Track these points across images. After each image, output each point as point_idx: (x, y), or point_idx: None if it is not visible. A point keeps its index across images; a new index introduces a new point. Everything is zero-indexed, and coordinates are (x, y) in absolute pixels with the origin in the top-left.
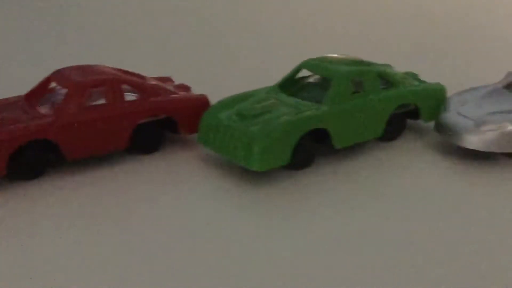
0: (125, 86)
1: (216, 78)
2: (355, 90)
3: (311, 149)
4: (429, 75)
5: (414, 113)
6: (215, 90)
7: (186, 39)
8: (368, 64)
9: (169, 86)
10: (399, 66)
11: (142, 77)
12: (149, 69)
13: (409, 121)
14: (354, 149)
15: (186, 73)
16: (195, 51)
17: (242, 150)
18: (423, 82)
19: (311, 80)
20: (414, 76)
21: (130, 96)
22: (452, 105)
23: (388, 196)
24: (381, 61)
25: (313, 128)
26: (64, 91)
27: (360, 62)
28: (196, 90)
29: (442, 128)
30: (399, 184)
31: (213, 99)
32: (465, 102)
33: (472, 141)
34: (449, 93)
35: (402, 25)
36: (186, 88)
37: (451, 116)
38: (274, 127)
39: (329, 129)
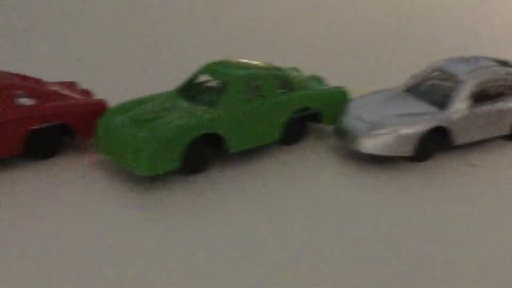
0: (21, 92)
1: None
2: (256, 94)
3: (204, 153)
4: (340, 78)
5: (317, 117)
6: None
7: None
8: (270, 68)
9: (68, 92)
10: (315, 69)
11: (39, 83)
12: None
13: (319, 126)
14: (253, 152)
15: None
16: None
17: (131, 155)
18: (327, 86)
19: (212, 84)
20: (319, 80)
21: (28, 102)
22: (351, 109)
23: (278, 201)
24: (295, 63)
25: (205, 133)
26: None
27: (262, 66)
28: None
29: (339, 132)
30: (291, 189)
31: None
32: (365, 105)
33: (366, 145)
34: None
35: (321, 29)
36: (87, 93)
37: (348, 120)
38: (163, 132)
39: (222, 134)
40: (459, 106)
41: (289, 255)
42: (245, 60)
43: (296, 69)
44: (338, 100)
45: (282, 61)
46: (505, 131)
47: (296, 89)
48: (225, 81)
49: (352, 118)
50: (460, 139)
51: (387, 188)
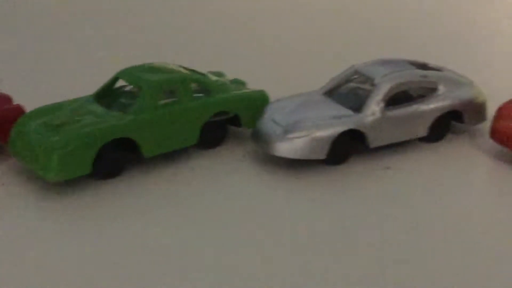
0: None
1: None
2: (171, 98)
3: (116, 158)
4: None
5: (237, 121)
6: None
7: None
8: (186, 72)
9: None
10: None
11: None
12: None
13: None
14: (169, 156)
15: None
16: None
17: (40, 160)
18: (248, 89)
19: (127, 89)
20: (241, 84)
21: None
22: (268, 112)
23: (192, 205)
24: (222, 67)
25: (117, 138)
26: None
27: (178, 71)
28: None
29: (255, 136)
30: (205, 193)
31: None
32: (281, 108)
33: (280, 149)
34: None
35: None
36: (7, 99)
37: (264, 123)
38: (72, 138)
39: (134, 139)
40: (374, 109)
41: (203, 260)
42: (164, 65)
43: (220, 73)
44: (258, 103)
45: (212, 65)
46: (421, 133)
47: (214, 93)
48: (139, 86)
49: (268, 122)
50: (375, 141)
51: (304, 191)
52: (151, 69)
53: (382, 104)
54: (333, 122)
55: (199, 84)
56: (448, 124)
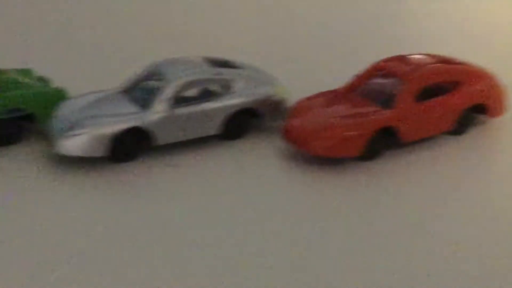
0: None
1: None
2: None
3: None
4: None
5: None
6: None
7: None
8: None
9: None
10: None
11: None
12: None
13: None
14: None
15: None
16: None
17: None
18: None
19: None
20: (46, 81)
21: None
22: (59, 109)
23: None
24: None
25: None
26: None
27: None
28: None
29: (46, 133)
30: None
31: None
32: (72, 106)
33: (64, 146)
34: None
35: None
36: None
37: (53, 121)
38: None
39: None
40: (159, 107)
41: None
42: None
43: (27, 71)
44: (55, 101)
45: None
46: (213, 131)
47: (8, 90)
48: None
49: (56, 119)
50: (162, 139)
51: (90, 189)
52: None
53: (169, 102)
54: (115, 119)
55: None
56: (248, 122)
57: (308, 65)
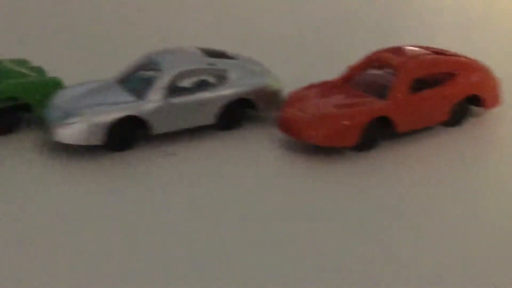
0: None
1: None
2: None
3: None
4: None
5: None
6: None
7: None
8: None
9: None
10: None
11: None
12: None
13: None
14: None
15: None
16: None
17: None
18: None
19: None
20: (41, 71)
21: None
22: (55, 98)
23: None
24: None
25: None
26: None
27: None
28: None
29: (43, 121)
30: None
31: None
32: (68, 95)
33: (61, 134)
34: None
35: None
36: None
37: (49, 109)
38: None
39: None
40: (155, 96)
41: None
42: None
43: (22, 61)
44: (51, 90)
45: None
46: (208, 121)
47: (3, 79)
48: None
49: (52, 107)
50: (158, 128)
51: (86, 177)
52: None
53: (164, 92)
54: (112, 108)
55: None
56: (243, 113)
57: (304, 56)
